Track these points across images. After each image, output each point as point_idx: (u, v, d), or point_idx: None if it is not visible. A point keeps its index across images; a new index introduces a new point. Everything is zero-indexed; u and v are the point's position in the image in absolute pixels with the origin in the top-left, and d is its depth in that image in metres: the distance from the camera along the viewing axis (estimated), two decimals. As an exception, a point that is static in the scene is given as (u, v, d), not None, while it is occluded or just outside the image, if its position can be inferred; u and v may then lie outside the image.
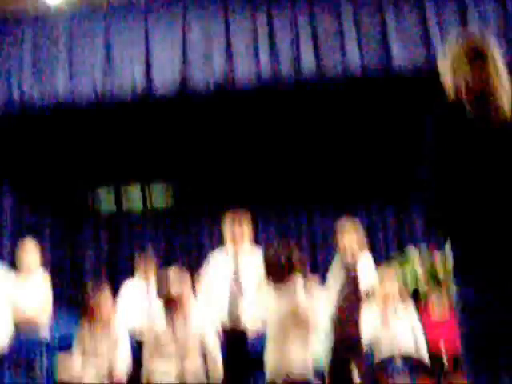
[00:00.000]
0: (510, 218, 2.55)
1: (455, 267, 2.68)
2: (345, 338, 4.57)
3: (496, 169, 2.58)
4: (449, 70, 2.78)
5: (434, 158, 2.62)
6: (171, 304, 4.67)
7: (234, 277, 5.18)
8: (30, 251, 5.93)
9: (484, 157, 2.59)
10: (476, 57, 2.73)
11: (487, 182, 2.59)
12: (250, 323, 5.04)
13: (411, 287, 5.07)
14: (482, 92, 2.66)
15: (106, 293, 5.13)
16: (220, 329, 5.02)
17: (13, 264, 6.17)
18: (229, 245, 5.40)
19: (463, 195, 2.61)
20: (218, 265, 5.38)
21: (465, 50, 2.77)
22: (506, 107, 2.62)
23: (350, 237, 5.22)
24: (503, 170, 2.59)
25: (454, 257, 2.68)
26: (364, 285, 4.77)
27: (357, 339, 4.61)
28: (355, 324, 4.63)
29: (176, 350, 4.55)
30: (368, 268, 5.17)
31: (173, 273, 4.83)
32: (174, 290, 4.67)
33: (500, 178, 2.59)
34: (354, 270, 4.80)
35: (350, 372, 4.44)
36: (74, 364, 4.92)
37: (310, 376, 4.19)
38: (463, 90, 2.67)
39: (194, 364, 4.55)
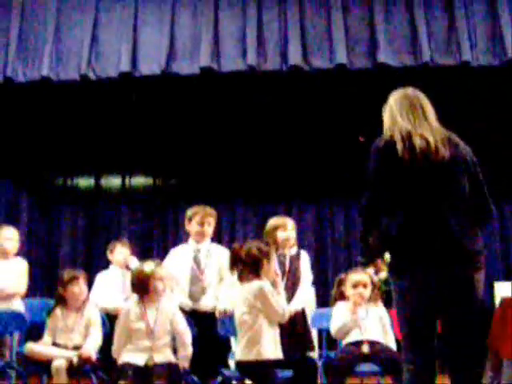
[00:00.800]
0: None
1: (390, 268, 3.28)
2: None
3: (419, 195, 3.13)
4: (386, 114, 3.41)
5: (371, 179, 3.24)
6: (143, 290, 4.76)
7: (195, 262, 5.23)
8: (9, 238, 5.90)
9: (408, 185, 3.14)
10: (410, 106, 3.33)
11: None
12: (212, 304, 5.14)
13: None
14: (409, 134, 3.19)
15: (80, 280, 5.12)
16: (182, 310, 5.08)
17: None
18: (191, 241, 5.43)
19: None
20: (178, 253, 5.42)
21: (400, 98, 3.40)
22: (432, 146, 3.15)
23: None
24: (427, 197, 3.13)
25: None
26: None
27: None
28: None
29: (146, 331, 4.62)
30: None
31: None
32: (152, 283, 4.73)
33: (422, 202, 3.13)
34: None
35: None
36: (43, 346, 4.94)
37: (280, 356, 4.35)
38: (395, 131, 3.24)
39: (163, 344, 4.65)
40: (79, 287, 5.10)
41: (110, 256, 6.34)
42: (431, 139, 3.15)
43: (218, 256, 5.29)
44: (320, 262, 8.44)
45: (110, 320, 5.31)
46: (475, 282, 3.14)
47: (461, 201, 3.16)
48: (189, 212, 5.45)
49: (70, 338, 4.97)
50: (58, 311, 5.06)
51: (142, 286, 4.74)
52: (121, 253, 6.26)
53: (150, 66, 5.95)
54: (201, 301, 5.16)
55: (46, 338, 5.02)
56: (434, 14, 5.85)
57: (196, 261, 5.25)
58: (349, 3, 5.96)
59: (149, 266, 4.77)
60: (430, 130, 3.21)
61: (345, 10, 5.94)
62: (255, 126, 7.59)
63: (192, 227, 5.39)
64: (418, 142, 3.13)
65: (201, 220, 5.36)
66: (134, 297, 4.88)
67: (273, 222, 5.35)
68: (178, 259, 5.34)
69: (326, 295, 7.30)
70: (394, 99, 3.41)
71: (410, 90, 3.44)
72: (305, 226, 8.50)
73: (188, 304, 5.14)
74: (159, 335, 4.64)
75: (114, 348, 4.67)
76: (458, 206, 3.13)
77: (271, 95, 6.96)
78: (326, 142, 7.73)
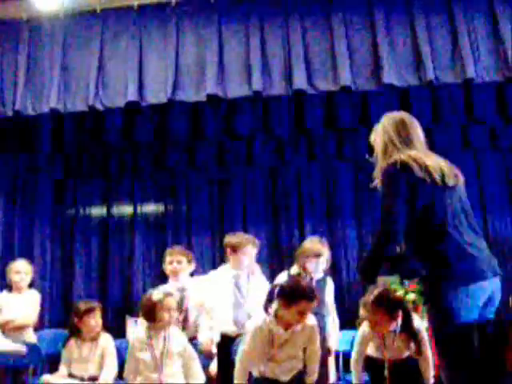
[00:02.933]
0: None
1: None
2: None
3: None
4: (382, 138, 3.41)
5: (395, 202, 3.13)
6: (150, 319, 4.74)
7: (237, 288, 5.20)
8: (22, 272, 5.95)
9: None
10: (405, 129, 3.35)
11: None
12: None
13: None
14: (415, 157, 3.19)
15: (96, 311, 5.16)
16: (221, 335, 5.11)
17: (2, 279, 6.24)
18: (228, 267, 5.43)
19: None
20: (219, 283, 5.38)
21: (396, 122, 3.40)
22: (436, 168, 3.17)
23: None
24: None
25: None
26: None
27: None
28: None
29: (153, 363, 4.59)
30: None
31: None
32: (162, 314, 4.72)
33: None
34: None
35: None
36: (59, 378, 4.98)
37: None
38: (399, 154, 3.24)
39: (171, 375, 4.62)
40: (95, 319, 5.11)
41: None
42: (439, 163, 3.21)
43: (256, 282, 5.32)
44: (336, 284, 8.40)
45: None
46: None
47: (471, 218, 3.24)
48: (226, 238, 5.58)
49: (85, 368, 5.01)
50: (73, 342, 5.09)
51: (150, 315, 4.71)
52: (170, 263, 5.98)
53: (156, 94, 6.00)
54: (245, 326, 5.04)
55: (62, 369, 5.05)
56: (436, 33, 5.86)
57: (238, 286, 5.22)
58: (351, 25, 5.98)
59: (157, 295, 4.75)
60: (428, 156, 3.26)
61: (347, 32, 5.97)
62: (263, 149, 7.62)
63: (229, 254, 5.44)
64: (433, 165, 3.16)
65: (235, 247, 5.41)
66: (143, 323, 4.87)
67: (307, 246, 5.32)
68: (219, 287, 5.31)
69: (345, 316, 7.28)
70: (389, 123, 3.42)
71: (405, 115, 3.48)
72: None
73: (233, 330, 5.11)
74: (167, 367, 4.60)
75: (125, 375, 4.68)
76: (472, 224, 3.22)
77: (276, 122, 7.00)
78: (335, 163, 7.75)
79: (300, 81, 5.86)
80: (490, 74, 5.69)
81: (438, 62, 5.79)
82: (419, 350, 4.58)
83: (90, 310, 5.11)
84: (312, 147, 7.76)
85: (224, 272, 5.40)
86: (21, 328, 5.64)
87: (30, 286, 6.08)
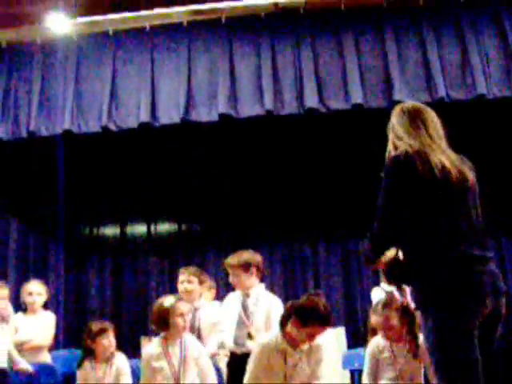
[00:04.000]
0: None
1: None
2: None
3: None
4: (395, 127, 3.16)
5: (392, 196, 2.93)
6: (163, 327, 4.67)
7: (242, 308, 5.16)
8: (37, 293, 5.97)
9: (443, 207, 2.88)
10: (417, 120, 3.09)
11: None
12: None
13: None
14: (418, 151, 2.95)
15: (109, 332, 5.10)
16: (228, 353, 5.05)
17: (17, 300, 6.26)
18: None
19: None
20: (230, 301, 5.36)
21: (408, 111, 3.15)
22: (447, 164, 2.91)
23: None
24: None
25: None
26: None
27: None
28: None
29: (171, 372, 4.51)
30: None
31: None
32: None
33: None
34: None
35: None
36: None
37: None
38: (405, 146, 3.00)
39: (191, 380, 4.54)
40: (108, 339, 5.09)
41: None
42: (453, 160, 2.97)
43: (266, 303, 5.14)
44: (348, 301, 8.37)
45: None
46: None
47: (480, 227, 2.97)
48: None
49: None
50: (87, 363, 5.05)
51: (163, 323, 4.63)
52: (181, 282, 5.76)
53: (169, 115, 6.04)
54: (246, 345, 4.95)
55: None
56: (446, 50, 5.90)
57: (244, 306, 5.20)
58: (362, 43, 6.03)
59: (168, 301, 4.68)
60: (442, 151, 3.00)
61: (358, 50, 6.01)
62: (276, 168, 7.63)
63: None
64: (437, 162, 2.90)
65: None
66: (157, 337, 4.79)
67: None
68: (229, 305, 5.25)
69: (357, 335, 7.26)
70: (400, 113, 3.19)
71: (419, 105, 3.25)
72: (332, 265, 8.45)
73: (233, 349, 5.01)
74: (185, 376, 4.52)
75: None
76: (481, 233, 2.94)
77: (290, 138, 7.01)
78: (349, 180, 7.74)
79: (311, 100, 5.89)
80: (502, 90, 5.70)
81: (448, 78, 5.81)
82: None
83: (102, 331, 5.06)
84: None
85: (236, 292, 5.39)
86: (37, 349, 5.66)
87: (45, 306, 6.08)
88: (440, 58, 5.85)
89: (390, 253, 2.97)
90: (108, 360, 5.05)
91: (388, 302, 4.58)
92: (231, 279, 5.26)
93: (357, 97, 5.82)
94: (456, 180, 2.90)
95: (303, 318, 4.18)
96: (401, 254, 2.98)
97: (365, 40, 6.04)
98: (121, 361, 5.11)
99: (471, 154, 3.15)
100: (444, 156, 2.95)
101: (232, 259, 5.29)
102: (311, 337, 4.21)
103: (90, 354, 5.06)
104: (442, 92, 5.72)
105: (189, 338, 4.76)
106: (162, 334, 4.69)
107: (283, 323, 4.31)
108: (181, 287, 5.82)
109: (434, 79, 5.77)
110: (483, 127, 6.62)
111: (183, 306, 4.71)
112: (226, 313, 5.21)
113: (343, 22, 6.09)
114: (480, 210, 3.03)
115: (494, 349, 2.90)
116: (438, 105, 5.75)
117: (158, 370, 4.53)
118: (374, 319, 4.74)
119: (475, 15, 5.97)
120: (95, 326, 5.14)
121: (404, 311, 4.54)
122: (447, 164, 2.90)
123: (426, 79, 5.83)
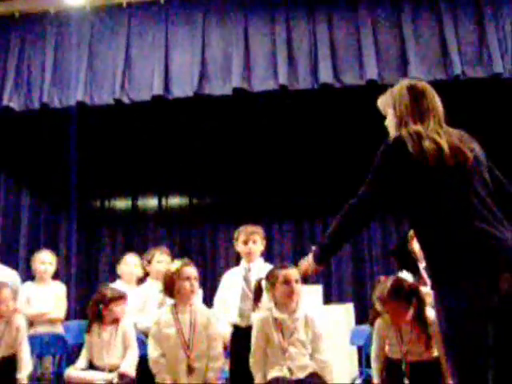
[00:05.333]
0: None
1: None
2: None
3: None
4: (390, 104, 3.10)
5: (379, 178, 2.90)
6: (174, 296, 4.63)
7: (245, 281, 5.17)
8: (47, 262, 5.99)
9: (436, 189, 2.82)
10: (419, 100, 3.00)
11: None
12: None
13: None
14: (419, 134, 2.87)
15: (124, 300, 5.09)
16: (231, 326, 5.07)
17: (28, 270, 6.30)
18: (242, 261, 5.39)
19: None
20: (230, 275, 5.37)
21: (409, 91, 3.05)
22: (445, 146, 2.83)
23: None
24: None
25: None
26: None
27: None
28: None
29: (181, 341, 4.47)
30: None
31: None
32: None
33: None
34: None
35: None
36: (81, 372, 4.92)
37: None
38: (403, 130, 2.92)
39: (201, 354, 4.50)
40: (121, 307, 5.07)
41: (147, 267, 5.95)
42: (452, 140, 2.87)
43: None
44: (357, 277, 8.37)
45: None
46: None
47: (492, 200, 2.85)
48: (235, 233, 5.42)
49: (107, 356, 4.92)
50: (95, 328, 5.03)
51: (171, 288, 4.58)
52: (160, 262, 5.86)
53: (182, 88, 6.02)
54: (250, 317, 4.96)
55: (81, 360, 4.97)
56: (463, 27, 5.83)
57: (246, 279, 5.19)
58: (378, 19, 5.97)
59: (175, 265, 4.65)
60: (444, 133, 2.93)
61: (374, 25, 5.95)
62: (289, 143, 7.60)
63: (239, 247, 5.33)
64: (431, 145, 2.83)
65: (245, 239, 5.30)
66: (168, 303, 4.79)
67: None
68: (230, 281, 5.28)
69: (366, 311, 7.26)
70: (401, 92, 3.08)
71: (419, 83, 3.14)
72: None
73: (237, 322, 5.03)
74: (194, 343, 4.48)
75: (151, 363, 4.50)
76: (490, 207, 2.82)
77: (303, 113, 6.97)
78: (362, 158, 7.69)
79: (326, 75, 5.85)
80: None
81: (464, 56, 5.75)
82: (430, 342, 4.47)
83: (119, 298, 5.04)
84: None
85: (239, 266, 5.41)
86: (52, 321, 5.70)
87: (54, 277, 6.11)
88: (456, 35, 5.79)
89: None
90: (115, 325, 5.03)
91: (395, 286, 4.52)
92: (251, 247, 5.26)
93: (372, 73, 5.78)
94: (452, 159, 2.82)
95: (269, 276, 4.50)
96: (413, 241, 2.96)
97: (381, 16, 5.97)
98: (127, 326, 5.08)
99: (484, 133, 3.09)
100: (444, 138, 2.88)
101: (257, 228, 5.38)
102: (287, 284, 4.41)
103: (98, 318, 5.02)
104: (457, 70, 5.66)
105: (198, 304, 4.75)
106: (172, 301, 4.65)
107: (255, 300, 4.48)
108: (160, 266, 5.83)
109: (450, 56, 5.72)
110: (498, 106, 6.55)
111: (189, 270, 4.62)
112: (228, 288, 5.25)
113: (359, -2, 6.03)
114: (496, 181, 2.97)
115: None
116: (453, 82, 5.74)
117: (167, 336, 4.48)
118: (379, 307, 4.67)
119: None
120: (111, 291, 5.11)
121: (411, 294, 4.48)
122: (444, 146, 2.83)
123: (442, 56, 5.77)
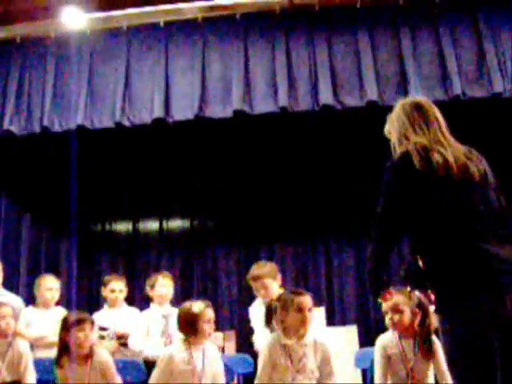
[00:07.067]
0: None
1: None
2: None
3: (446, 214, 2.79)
4: (394, 125, 3.11)
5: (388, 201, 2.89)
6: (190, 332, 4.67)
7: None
8: (51, 288, 5.94)
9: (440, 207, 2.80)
10: (423, 118, 3.02)
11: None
12: None
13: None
14: (425, 148, 2.88)
15: (86, 323, 4.79)
16: None
17: (29, 296, 6.26)
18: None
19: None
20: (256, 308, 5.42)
21: (411, 107, 3.08)
22: (451, 159, 2.83)
23: None
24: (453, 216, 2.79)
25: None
26: None
27: None
28: None
29: (194, 375, 4.52)
30: None
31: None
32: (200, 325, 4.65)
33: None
34: None
35: None
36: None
37: None
38: (409, 145, 2.92)
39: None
40: (84, 333, 4.73)
41: (150, 292, 5.97)
42: (458, 155, 2.87)
43: None
44: (361, 300, 8.33)
45: (148, 368, 5.14)
46: None
47: (495, 221, 2.83)
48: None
49: None
50: (66, 361, 4.74)
51: (190, 327, 4.63)
52: (163, 286, 5.92)
53: (183, 111, 6.01)
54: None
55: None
56: (462, 47, 5.84)
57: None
58: (377, 40, 5.98)
59: (198, 307, 4.67)
60: (449, 145, 2.93)
61: (373, 46, 5.96)
62: (290, 166, 7.60)
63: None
64: (439, 158, 2.82)
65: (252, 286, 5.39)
66: (178, 339, 4.78)
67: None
68: (257, 310, 5.33)
69: (369, 333, 7.22)
70: (404, 109, 3.10)
71: (422, 99, 3.19)
72: (344, 265, 8.42)
73: None
74: (208, 380, 4.55)
75: None
76: (494, 227, 2.81)
77: (304, 135, 6.97)
78: (363, 179, 7.69)
79: (326, 96, 5.85)
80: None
81: (464, 76, 5.75)
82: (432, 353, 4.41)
83: (79, 322, 4.72)
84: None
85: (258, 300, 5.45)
86: (51, 345, 5.61)
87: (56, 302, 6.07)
88: (456, 56, 5.80)
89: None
90: (87, 358, 4.73)
91: (403, 290, 4.47)
92: (257, 291, 5.27)
93: (372, 94, 5.78)
94: (459, 175, 2.81)
95: (284, 301, 4.40)
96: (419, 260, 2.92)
97: (380, 37, 5.99)
98: (103, 358, 4.81)
99: (485, 152, 3.08)
100: (449, 151, 2.87)
101: (259, 269, 5.33)
102: (301, 311, 4.34)
103: (66, 349, 4.73)
104: (457, 90, 5.66)
105: (208, 343, 4.78)
106: (185, 337, 4.69)
107: (268, 322, 4.54)
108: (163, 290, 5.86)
109: (449, 77, 5.72)
110: (499, 126, 6.55)
111: (211, 313, 4.73)
112: (256, 319, 5.27)
113: (358, 19, 6.03)
114: (498, 203, 2.93)
115: None
116: (453, 102, 5.73)
117: (182, 375, 4.53)
118: (385, 304, 4.60)
119: (492, 12, 5.91)
120: (72, 316, 4.87)
121: (418, 304, 4.44)
122: (450, 159, 2.82)
123: (442, 77, 5.78)
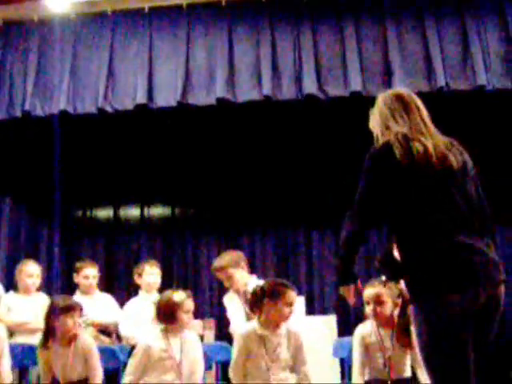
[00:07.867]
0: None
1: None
2: None
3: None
4: (375, 117, 3.11)
5: (367, 189, 2.90)
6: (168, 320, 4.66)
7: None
8: (32, 274, 5.90)
9: (417, 197, 2.82)
10: (404, 108, 3.02)
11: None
12: None
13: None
14: (405, 137, 2.88)
15: (76, 311, 4.77)
16: None
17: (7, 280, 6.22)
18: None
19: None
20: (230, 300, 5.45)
21: (392, 98, 3.08)
22: (430, 148, 2.84)
23: None
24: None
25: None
26: None
27: None
28: None
29: (172, 365, 4.53)
30: None
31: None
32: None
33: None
34: None
35: None
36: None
37: None
38: (391, 135, 2.93)
39: (191, 376, 4.60)
40: (73, 320, 4.73)
41: (138, 280, 6.04)
42: (438, 145, 2.88)
43: None
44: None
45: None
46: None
47: (472, 213, 2.84)
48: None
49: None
50: (50, 344, 4.75)
51: (169, 316, 4.63)
52: (151, 274, 6.01)
53: (166, 97, 5.99)
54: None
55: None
56: (447, 39, 5.86)
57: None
58: (362, 30, 5.98)
59: (179, 296, 4.66)
60: (430, 135, 2.93)
61: (358, 37, 5.96)
62: (272, 154, 7.60)
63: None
64: (419, 147, 2.83)
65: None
66: (156, 327, 4.77)
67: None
68: (231, 302, 5.42)
69: (348, 323, 7.24)
70: (385, 101, 3.11)
71: (402, 90, 3.18)
72: (324, 255, 8.43)
73: None
74: (186, 368, 4.55)
75: (128, 375, 4.50)
76: (472, 219, 2.82)
77: (287, 124, 6.97)
78: (345, 169, 7.70)
79: (310, 86, 5.84)
80: (502, 80, 5.67)
81: (448, 68, 5.77)
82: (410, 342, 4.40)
83: (69, 309, 4.69)
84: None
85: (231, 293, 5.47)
86: (33, 331, 5.57)
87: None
88: (441, 48, 5.81)
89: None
90: (70, 342, 4.71)
91: (385, 282, 4.50)
92: (225, 283, 5.29)
93: (356, 84, 5.79)
94: (438, 165, 2.83)
95: (274, 292, 4.38)
96: (394, 250, 2.94)
97: (365, 28, 5.99)
98: (86, 342, 4.79)
99: (468, 144, 3.10)
100: (430, 140, 2.88)
101: (219, 260, 5.37)
102: (289, 306, 4.38)
103: (52, 333, 4.71)
104: (441, 82, 5.68)
105: (187, 332, 4.79)
106: (163, 327, 4.68)
107: (252, 308, 4.51)
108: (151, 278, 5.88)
109: (434, 68, 5.73)
110: (482, 118, 6.58)
111: (191, 304, 4.74)
112: (231, 309, 5.35)
113: (344, 9, 6.04)
114: (476, 195, 2.94)
115: (489, 347, 2.82)
116: (437, 94, 5.75)
117: (159, 363, 4.52)
118: (367, 292, 4.59)
119: (477, 5, 5.93)
120: (62, 301, 4.83)
121: (399, 295, 4.49)
122: (430, 148, 2.83)
123: (426, 68, 5.79)
